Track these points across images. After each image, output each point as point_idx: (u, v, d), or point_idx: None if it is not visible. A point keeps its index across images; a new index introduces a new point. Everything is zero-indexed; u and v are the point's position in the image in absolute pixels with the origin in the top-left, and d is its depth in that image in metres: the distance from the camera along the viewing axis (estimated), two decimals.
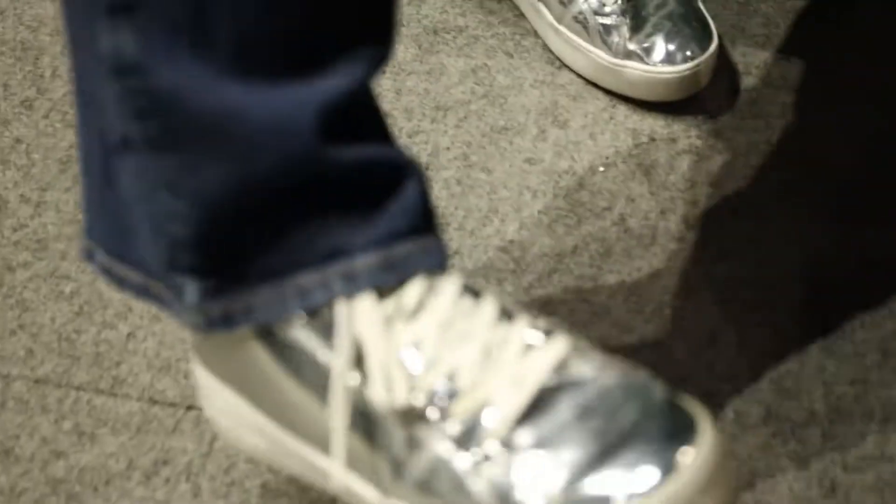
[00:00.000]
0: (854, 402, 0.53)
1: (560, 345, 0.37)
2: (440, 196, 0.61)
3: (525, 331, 0.37)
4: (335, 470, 0.38)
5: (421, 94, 0.65)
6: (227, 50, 0.33)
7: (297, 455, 0.40)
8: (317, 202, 0.36)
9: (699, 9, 0.65)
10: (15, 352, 0.54)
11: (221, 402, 0.41)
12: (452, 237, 0.59)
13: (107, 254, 0.38)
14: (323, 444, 0.38)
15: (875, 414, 0.53)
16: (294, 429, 0.39)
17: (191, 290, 0.36)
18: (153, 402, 0.52)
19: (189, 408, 0.53)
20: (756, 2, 0.71)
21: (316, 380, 0.37)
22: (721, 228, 0.60)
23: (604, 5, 0.64)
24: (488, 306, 0.37)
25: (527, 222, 0.60)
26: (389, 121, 0.61)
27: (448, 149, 0.63)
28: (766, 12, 0.70)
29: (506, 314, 0.37)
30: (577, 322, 0.56)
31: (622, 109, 0.65)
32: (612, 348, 0.56)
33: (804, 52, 0.69)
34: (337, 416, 0.37)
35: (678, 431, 0.36)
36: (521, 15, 0.69)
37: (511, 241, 0.59)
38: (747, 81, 0.66)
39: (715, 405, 0.55)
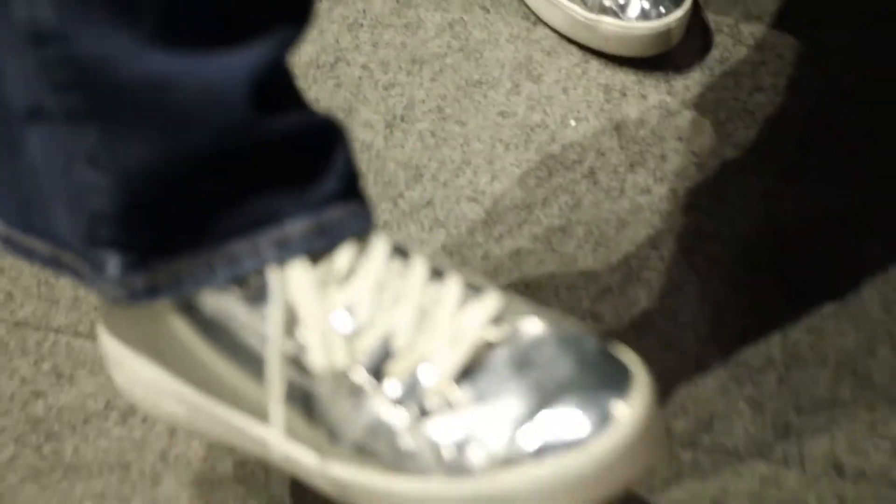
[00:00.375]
0: (809, 349, 0.54)
1: (493, 300, 0.36)
2: (415, 148, 0.60)
3: (457, 288, 0.36)
4: (274, 439, 0.37)
5: (398, 48, 0.64)
6: (153, 17, 0.30)
7: (228, 424, 0.38)
8: (247, 171, 0.34)
9: None
10: None
11: (133, 372, 0.39)
12: (426, 188, 0.58)
13: (8, 224, 0.35)
14: (258, 413, 0.37)
15: (829, 360, 0.54)
16: (224, 398, 0.37)
17: (112, 263, 0.34)
18: None
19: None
20: None
21: (245, 350, 0.36)
22: (687, 183, 0.59)
23: None
24: (419, 266, 0.36)
25: (499, 174, 0.59)
26: (366, 73, 0.59)
27: (423, 101, 0.61)
28: None
29: (437, 273, 0.36)
30: (545, 271, 0.56)
31: (595, 65, 0.65)
32: (578, 297, 0.55)
33: (776, 11, 0.67)
34: (274, 386, 0.35)
35: (613, 383, 0.35)
36: None
37: (483, 192, 0.58)
38: (718, 39, 0.65)
39: (676, 351, 0.55)
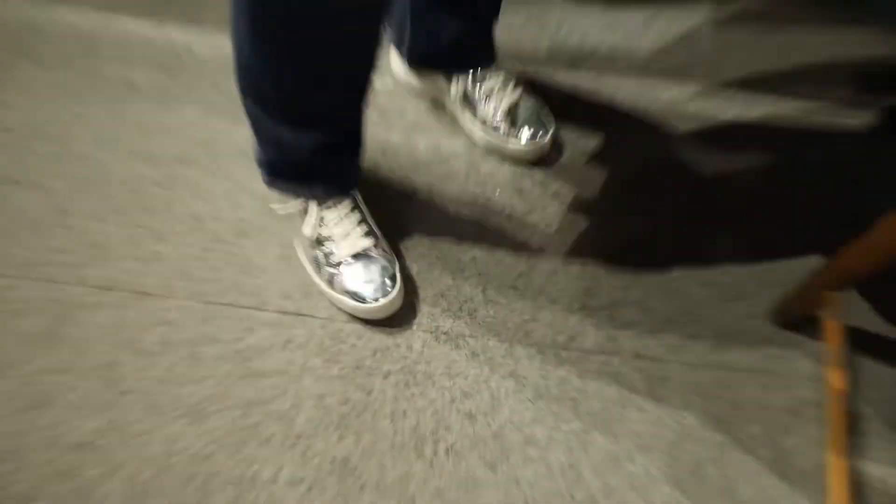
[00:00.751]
0: (623, 300, 0.70)
1: (371, 238, 0.67)
2: (413, 209, 0.73)
3: (363, 228, 0.67)
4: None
5: (405, 159, 0.78)
6: (278, 113, 0.58)
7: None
8: (311, 173, 0.64)
9: (543, 113, 0.77)
10: (211, 292, 0.68)
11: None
12: (431, 232, 0.73)
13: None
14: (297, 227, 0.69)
15: (630, 304, 0.69)
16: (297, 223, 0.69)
17: (263, 174, 0.67)
18: (282, 312, 0.68)
19: (298, 314, 0.67)
20: (570, 110, 0.81)
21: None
22: (559, 219, 0.75)
23: (495, 114, 0.76)
24: (356, 215, 0.66)
25: (463, 220, 0.74)
26: (381, 180, 0.76)
27: (420, 186, 0.76)
28: (579, 117, 0.82)
29: (361, 219, 0.66)
30: (488, 265, 0.71)
31: (507, 164, 0.78)
32: (505, 278, 0.70)
33: (599, 129, 0.81)
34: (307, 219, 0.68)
35: (391, 285, 0.66)
36: (456, 120, 0.80)
37: (454, 232, 0.73)
38: (569, 150, 0.80)
39: (557, 304, 0.69)
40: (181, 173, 0.77)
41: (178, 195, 0.75)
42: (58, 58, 0.84)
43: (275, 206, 0.69)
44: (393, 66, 0.82)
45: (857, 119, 0.83)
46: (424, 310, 0.69)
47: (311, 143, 0.59)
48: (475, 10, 0.71)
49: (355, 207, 0.66)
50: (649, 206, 0.76)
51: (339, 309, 0.67)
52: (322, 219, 0.65)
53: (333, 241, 0.65)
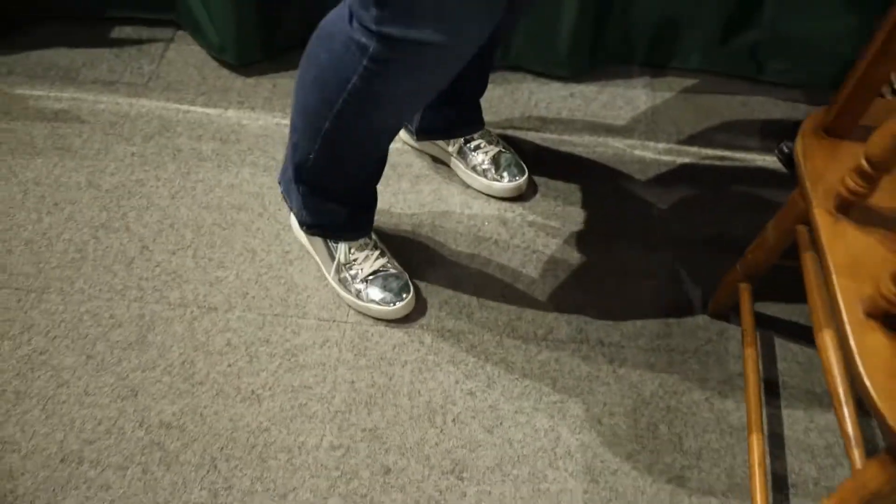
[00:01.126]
0: (586, 302, 0.78)
1: (385, 259, 0.74)
2: (420, 239, 0.83)
3: (377, 253, 0.74)
4: (331, 277, 0.75)
5: (412, 201, 0.87)
6: (324, 193, 0.70)
7: (315, 253, 0.77)
8: (340, 230, 0.73)
9: (519, 162, 0.86)
10: (264, 306, 0.78)
11: (300, 235, 0.77)
12: (429, 255, 0.81)
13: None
14: (326, 262, 0.75)
15: (594, 301, 0.76)
16: (324, 259, 0.76)
17: (304, 229, 0.73)
18: (320, 319, 0.76)
19: (332, 320, 0.75)
20: (541, 160, 0.90)
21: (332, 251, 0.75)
22: (536, 242, 0.83)
23: (483, 163, 0.86)
24: (371, 243, 0.75)
25: (459, 245, 0.83)
26: (395, 218, 0.86)
27: (425, 221, 0.84)
28: (548, 165, 0.90)
29: (375, 247, 0.75)
30: (478, 285, 0.79)
31: (493, 201, 0.87)
32: (494, 292, 0.78)
33: (563, 174, 0.89)
34: (337, 255, 0.74)
35: (405, 294, 0.74)
36: (452, 169, 0.89)
37: (453, 255, 0.82)
38: (541, 189, 0.89)
39: (529, 318, 0.77)
40: (238, 217, 0.87)
41: (236, 234, 0.85)
42: (142, 136, 0.98)
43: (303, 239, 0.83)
44: (401, 133, 0.94)
45: (762, 160, 0.95)
46: (432, 313, 0.78)
47: (346, 212, 0.72)
48: (470, 97, 0.86)
49: (369, 237, 0.78)
50: (606, 230, 0.87)
51: (365, 315, 0.78)
52: (349, 248, 0.76)
53: (357, 262, 0.75)
